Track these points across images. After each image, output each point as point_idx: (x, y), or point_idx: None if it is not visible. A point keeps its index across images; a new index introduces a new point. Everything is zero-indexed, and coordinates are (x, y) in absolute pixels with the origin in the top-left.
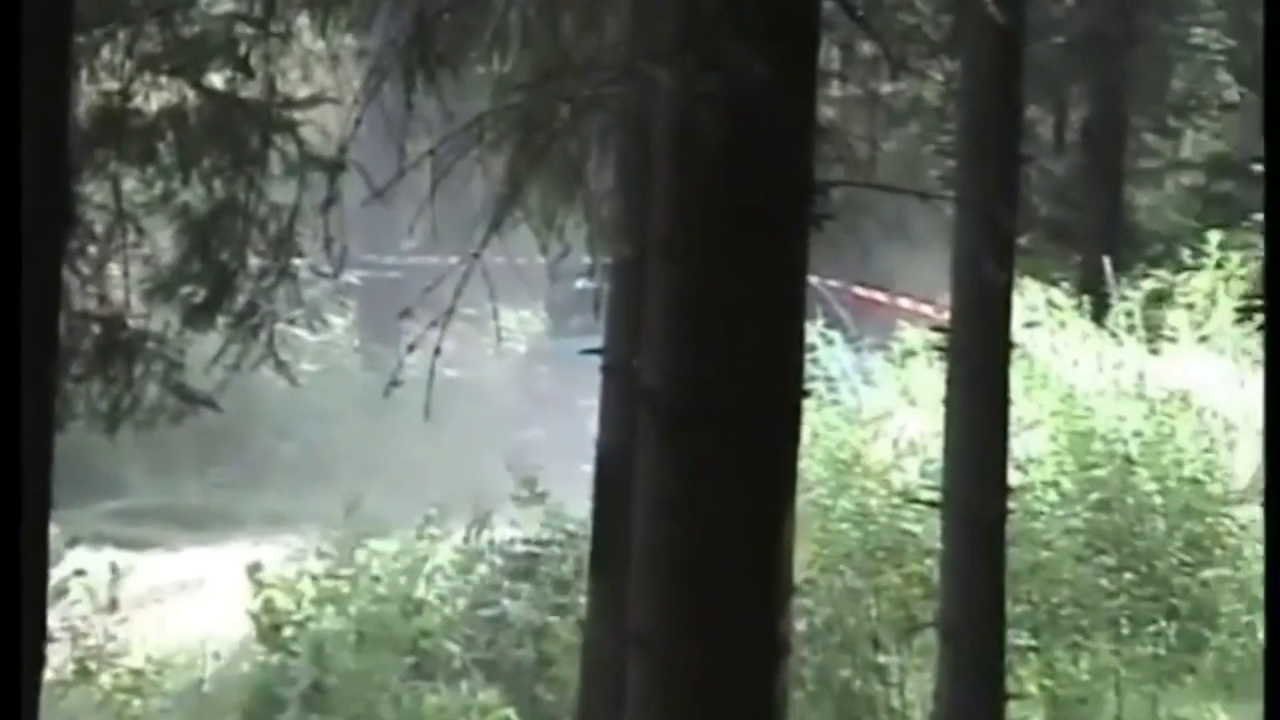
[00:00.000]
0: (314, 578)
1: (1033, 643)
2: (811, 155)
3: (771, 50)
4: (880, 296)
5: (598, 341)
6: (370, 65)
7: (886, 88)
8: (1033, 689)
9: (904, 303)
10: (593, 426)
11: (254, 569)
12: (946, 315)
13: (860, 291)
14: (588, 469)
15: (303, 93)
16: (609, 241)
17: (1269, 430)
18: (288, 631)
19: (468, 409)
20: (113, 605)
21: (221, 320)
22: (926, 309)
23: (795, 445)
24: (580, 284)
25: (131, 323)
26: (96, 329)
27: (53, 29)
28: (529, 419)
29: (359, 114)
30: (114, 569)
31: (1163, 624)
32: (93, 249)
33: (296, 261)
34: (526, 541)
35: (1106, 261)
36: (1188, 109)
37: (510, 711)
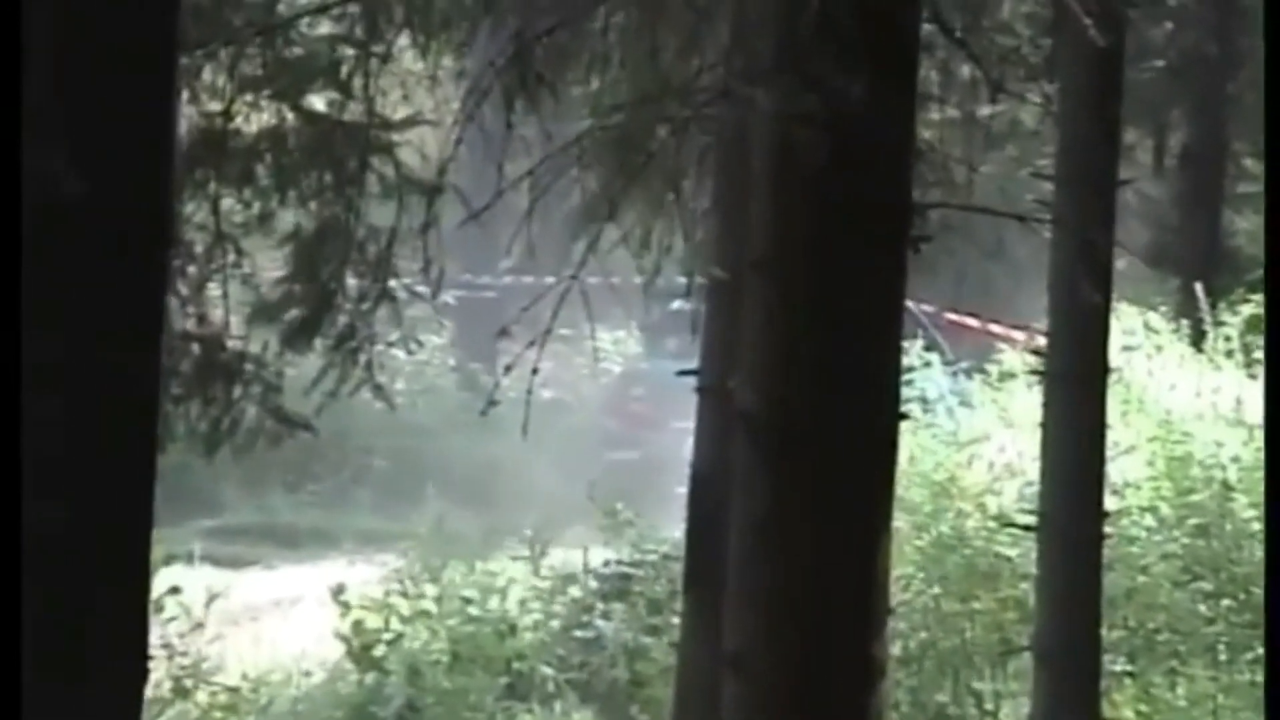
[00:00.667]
0: (406, 596)
1: (1129, 668)
2: (910, 177)
3: (870, 71)
4: (973, 322)
5: (693, 364)
6: (469, 86)
7: (984, 110)
8: (1128, 715)
9: (996, 328)
10: (687, 449)
11: (338, 591)
12: (1039, 341)
13: (953, 316)
14: (681, 491)
15: (401, 114)
16: (706, 262)
17: (1269, 430)
18: (379, 651)
19: (562, 429)
20: (207, 623)
21: (320, 342)
22: (1018, 335)
23: (892, 467)
24: (675, 305)
25: (230, 344)
26: (196, 350)
27: (159, 48)
28: (623, 441)
29: (459, 135)
30: (209, 587)
31: (1261, 651)
32: (192, 269)
33: (394, 283)
34: (620, 562)
35: (1199, 287)
36: None
37: None
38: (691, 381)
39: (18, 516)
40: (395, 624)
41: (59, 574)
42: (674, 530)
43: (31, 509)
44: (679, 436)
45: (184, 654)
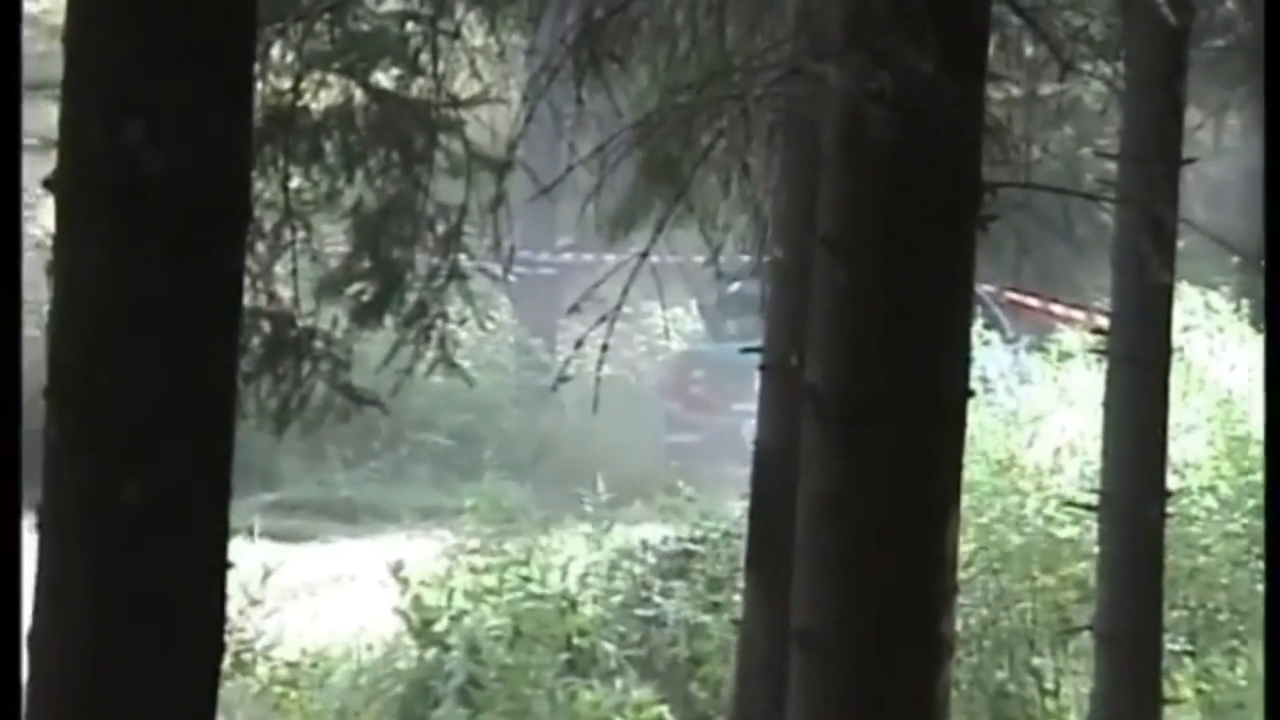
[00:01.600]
0: (469, 571)
1: (1189, 648)
2: (979, 155)
3: (940, 48)
4: (1033, 301)
5: (751, 345)
6: (540, 63)
7: (1046, 89)
8: (1189, 694)
9: (1056, 308)
10: (747, 431)
11: (397, 568)
12: (1099, 321)
13: (1013, 295)
14: (740, 473)
15: (469, 91)
16: (773, 240)
17: (1269, 431)
18: (440, 626)
19: (622, 406)
20: (265, 598)
21: (390, 320)
22: (1078, 314)
23: (960, 445)
24: (735, 286)
25: (300, 321)
26: (266, 327)
27: (237, 22)
28: (683, 423)
29: (529, 111)
30: (267, 562)
31: None
32: (261, 246)
33: (463, 260)
34: (680, 539)
35: (1262, 266)
36: None
37: (664, 709)
38: (751, 365)
39: (17, 517)
40: (456, 600)
41: (139, 549)
42: (732, 510)
43: (113, 484)
44: (739, 419)
45: (242, 629)
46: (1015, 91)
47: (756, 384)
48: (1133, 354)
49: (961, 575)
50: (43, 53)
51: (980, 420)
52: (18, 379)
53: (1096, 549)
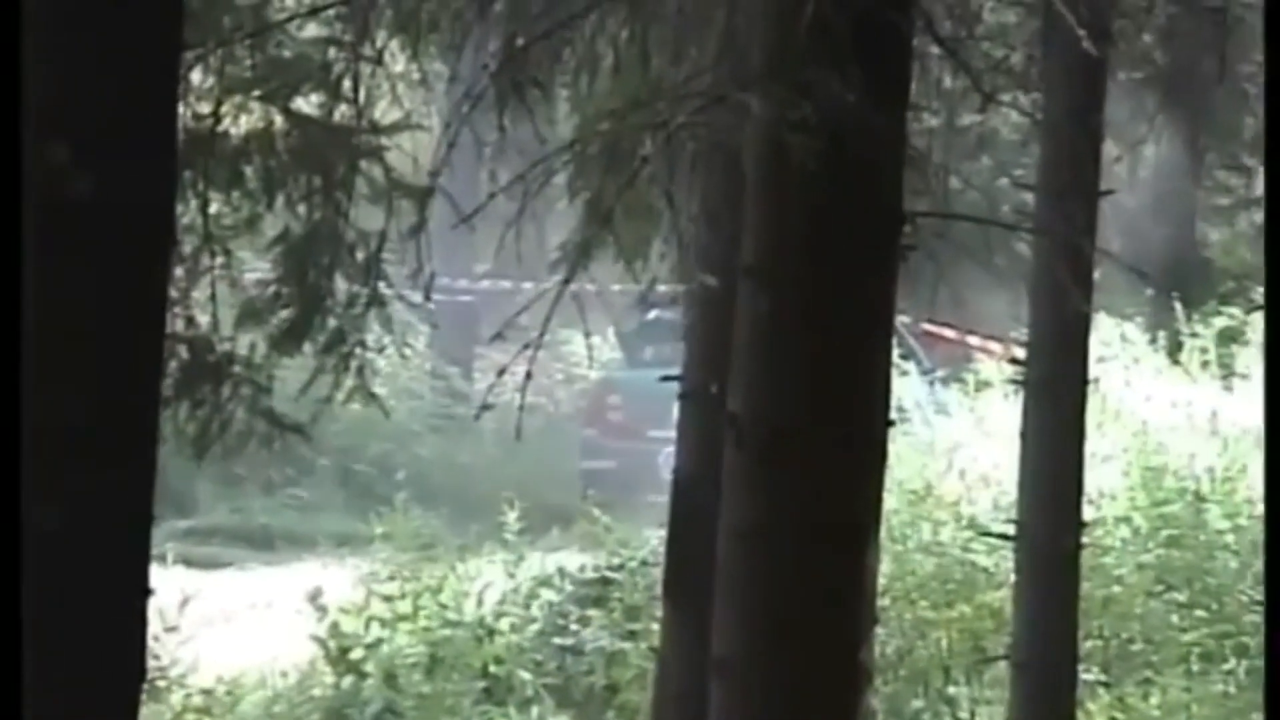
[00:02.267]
0: (385, 599)
1: (1103, 678)
2: (900, 185)
3: (862, 78)
4: (949, 333)
5: (671, 372)
6: (462, 90)
7: (966, 119)
8: None
9: (972, 339)
10: (663, 459)
11: (315, 595)
12: (1015, 351)
13: (930, 327)
14: (656, 499)
15: (391, 118)
16: (694, 268)
17: (1269, 430)
18: (357, 654)
19: (541, 434)
20: (181, 625)
21: (309, 347)
22: (994, 346)
23: (880, 474)
24: (653, 314)
25: (218, 346)
26: (184, 352)
27: (162, 45)
28: (599, 448)
29: (452, 138)
30: (183, 589)
31: (1233, 662)
32: (180, 271)
33: (383, 287)
34: (597, 568)
35: (1175, 298)
36: (1262, 146)
37: None
38: (669, 392)
39: (17, 516)
40: (373, 628)
41: (58, 574)
42: (649, 537)
43: (31, 510)
44: (656, 446)
45: (157, 656)
46: (935, 122)
47: (675, 411)
48: (1049, 384)
49: (878, 604)
50: None
51: (897, 450)
52: (18, 380)
53: (1012, 578)
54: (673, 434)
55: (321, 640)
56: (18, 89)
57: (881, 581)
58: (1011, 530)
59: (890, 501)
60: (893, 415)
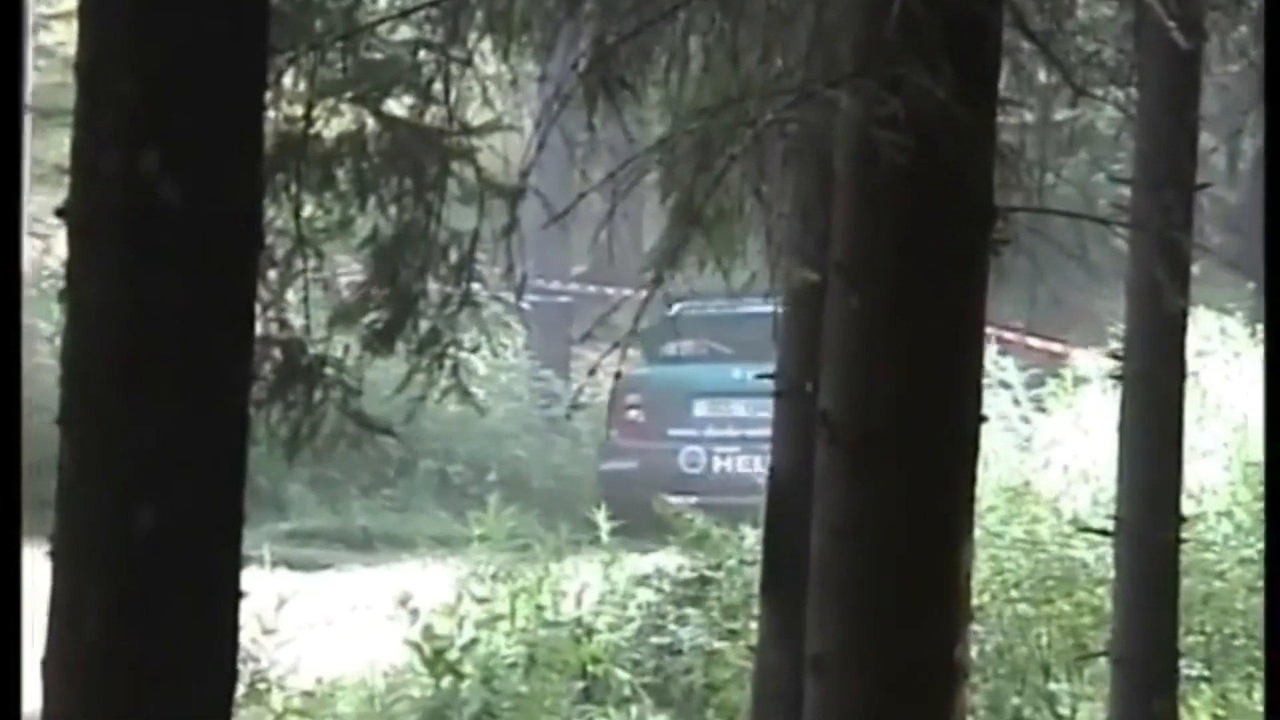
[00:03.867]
0: (481, 600)
1: (1205, 673)
2: (991, 181)
3: (952, 73)
4: (1032, 341)
5: (688, 370)
6: (552, 90)
7: (1059, 114)
8: None
9: (1033, 341)
10: (684, 458)
11: (405, 599)
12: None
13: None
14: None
15: (481, 119)
16: (787, 266)
17: (1269, 430)
18: (454, 655)
19: None
20: (280, 627)
21: (402, 348)
22: (1056, 347)
23: (974, 470)
24: (677, 308)
25: (311, 349)
26: (278, 354)
27: (250, 50)
28: (618, 450)
29: (541, 138)
30: (282, 591)
31: None
32: (273, 274)
33: (476, 288)
34: (695, 567)
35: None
36: None
37: None
38: (688, 390)
39: (17, 515)
40: (469, 628)
41: (153, 575)
42: (748, 536)
43: (126, 512)
44: (676, 444)
45: (257, 658)
46: (1028, 117)
47: (694, 409)
48: (1146, 379)
49: (976, 601)
50: (56, 83)
51: (994, 447)
52: (18, 381)
53: (1112, 574)
54: (691, 432)
55: (416, 643)
56: (18, 88)
57: (979, 578)
58: (1110, 526)
59: (987, 498)
60: (989, 410)
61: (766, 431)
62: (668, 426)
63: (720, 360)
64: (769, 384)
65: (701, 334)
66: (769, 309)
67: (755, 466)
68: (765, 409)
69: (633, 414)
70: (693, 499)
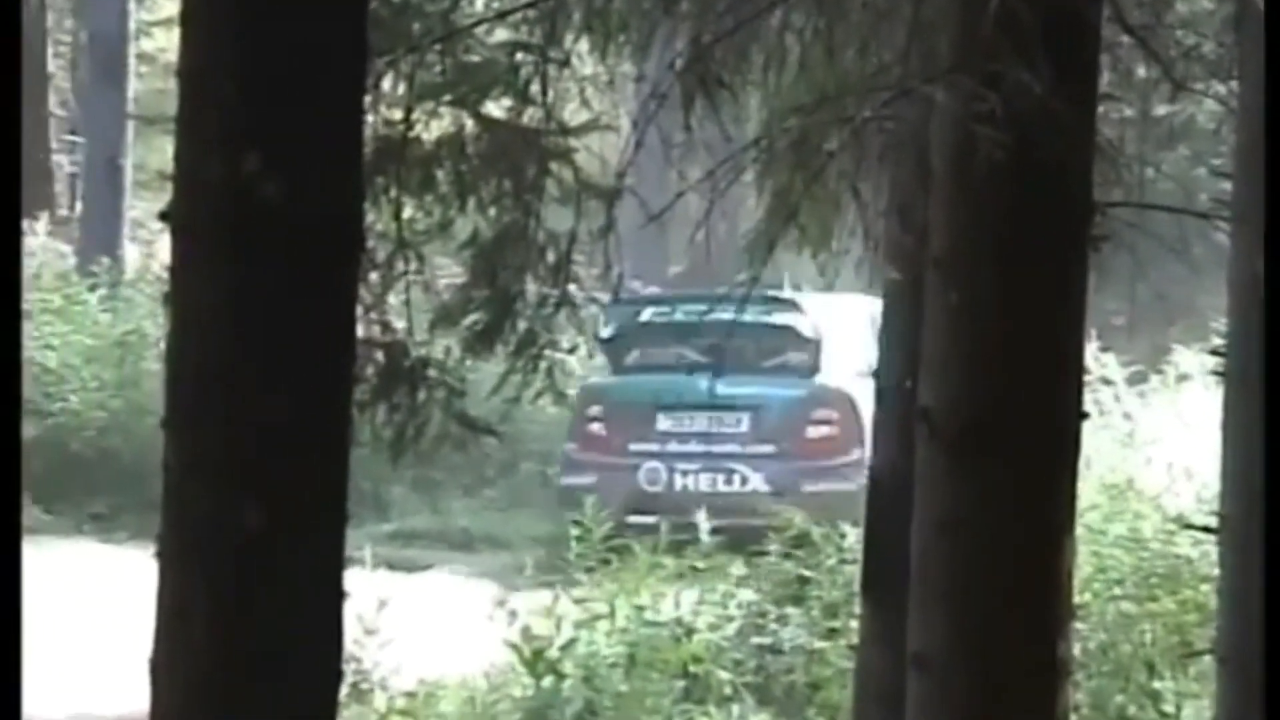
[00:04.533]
0: (579, 601)
1: None
2: (1090, 176)
3: (1051, 70)
4: None
5: (652, 380)
6: (648, 90)
7: (1159, 109)
8: None
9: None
10: (643, 475)
11: (502, 601)
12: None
13: None
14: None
15: (578, 119)
16: (885, 263)
17: (1269, 428)
18: (553, 654)
19: None
20: (383, 628)
21: (500, 349)
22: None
23: (1075, 467)
24: (648, 315)
25: (413, 351)
26: (380, 357)
27: (349, 51)
28: (578, 464)
29: (638, 138)
30: (384, 592)
31: None
32: (374, 276)
33: (573, 288)
34: (794, 566)
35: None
36: None
37: None
38: (651, 402)
39: (18, 514)
40: (568, 628)
41: (257, 575)
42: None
43: (232, 512)
44: (637, 460)
45: (360, 659)
46: (1128, 112)
47: (656, 423)
48: (1250, 375)
49: (1078, 599)
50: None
51: (1097, 444)
52: (18, 381)
53: (1216, 571)
54: (653, 447)
55: (515, 644)
56: (18, 88)
57: (1082, 576)
58: (1214, 522)
59: (1090, 495)
60: (1090, 407)
61: (729, 448)
62: (629, 441)
63: (684, 370)
64: (733, 397)
65: (670, 342)
66: (743, 316)
67: (717, 485)
68: (728, 424)
69: (594, 426)
70: (652, 519)
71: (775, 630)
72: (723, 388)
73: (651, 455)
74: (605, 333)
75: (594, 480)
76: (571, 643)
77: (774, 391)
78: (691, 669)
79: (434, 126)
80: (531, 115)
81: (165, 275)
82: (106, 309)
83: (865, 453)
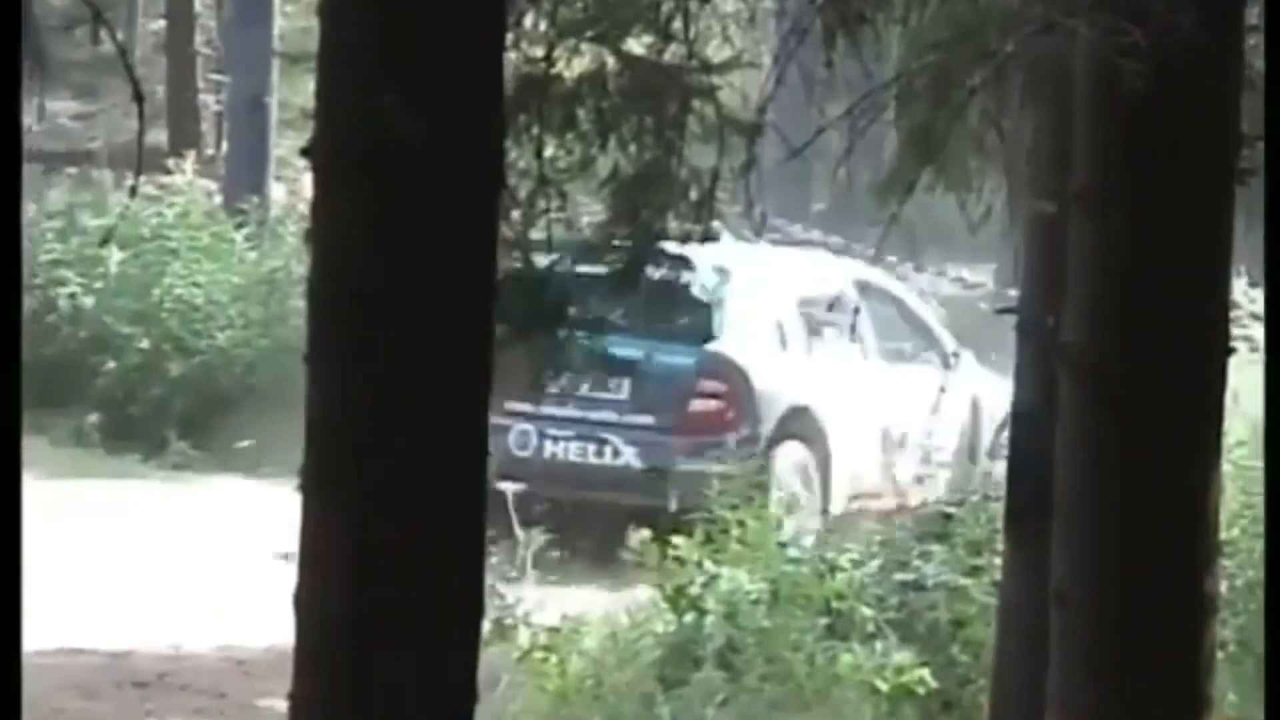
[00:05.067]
0: (723, 533)
1: None
2: (1238, 108)
3: (1196, 1)
4: None
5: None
6: (789, 25)
7: None
8: None
9: None
10: (513, 439)
11: (639, 534)
12: None
13: None
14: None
15: (720, 56)
16: (1029, 201)
17: (1269, 429)
18: (695, 590)
19: None
20: (526, 564)
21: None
22: None
23: (1221, 402)
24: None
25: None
26: (521, 293)
27: None
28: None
29: (779, 74)
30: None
31: None
32: (516, 215)
33: (716, 226)
34: (939, 502)
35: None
36: None
37: (925, 672)
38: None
39: (17, 513)
40: (709, 564)
41: (398, 513)
42: (992, 470)
43: (372, 449)
44: (510, 421)
45: (503, 595)
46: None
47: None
48: None
49: (1225, 535)
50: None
51: (1244, 379)
52: (18, 380)
53: None
54: (528, 408)
55: (658, 580)
56: (18, 88)
57: (1229, 512)
58: None
59: (1236, 432)
60: (1241, 344)
61: (605, 415)
62: (506, 398)
63: (573, 327)
64: (616, 360)
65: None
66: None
67: (588, 456)
68: (609, 389)
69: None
70: (520, 486)
71: (918, 566)
72: (602, 349)
73: (526, 416)
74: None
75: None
76: (714, 579)
77: (659, 358)
78: (835, 605)
79: (575, 64)
80: (673, 52)
81: (309, 213)
82: (252, 247)
83: (756, 430)
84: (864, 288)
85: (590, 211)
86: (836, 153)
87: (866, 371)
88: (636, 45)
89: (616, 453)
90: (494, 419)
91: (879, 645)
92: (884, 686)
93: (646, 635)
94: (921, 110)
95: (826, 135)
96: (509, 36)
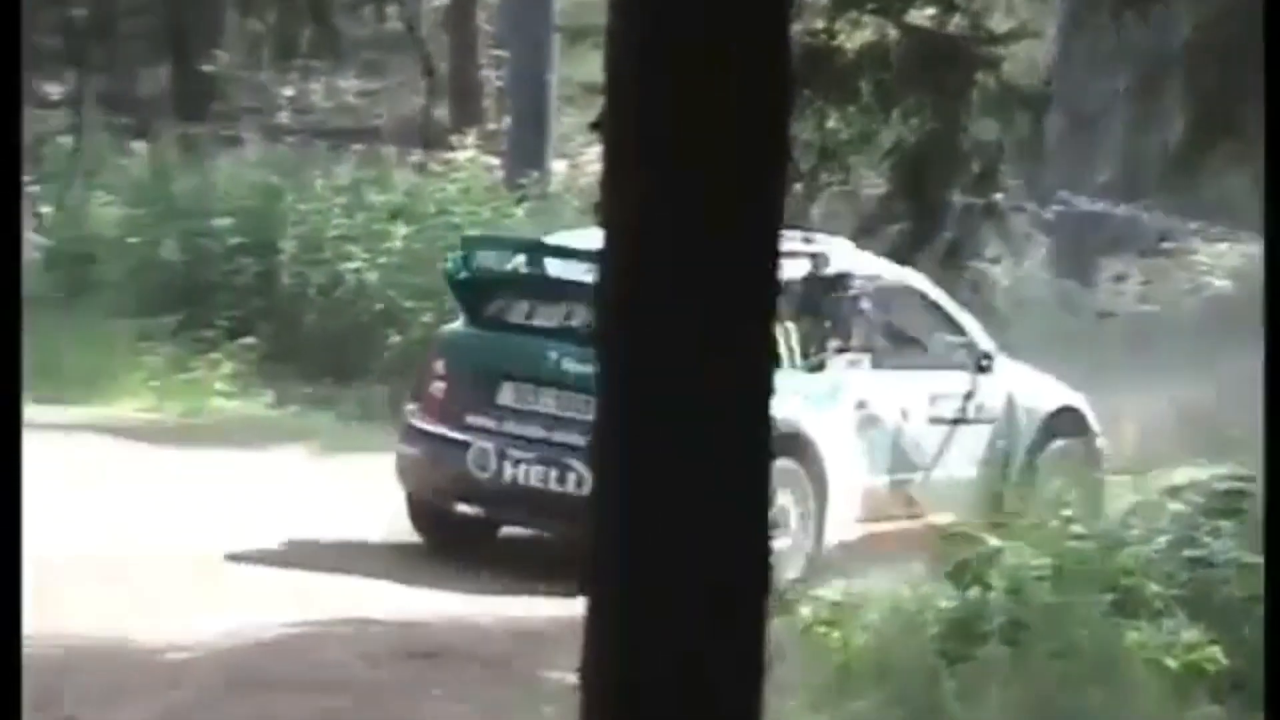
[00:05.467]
0: (1005, 513)
1: None
2: None
3: None
4: None
5: (500, 340)
6: None
7: None
8: None
9: None
10: (471, 458)
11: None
12: None
13: None
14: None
15: (1004, 26)
16: None
17: (1269, 429)
18: (978, 566)
19: (1165, 345)
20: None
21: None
22: None
23: None
24: (519, 261)
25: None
26: (805, 264)
27: None
28: (411, 432)
29: (1065, 45)
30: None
31: None
32: (799, 187)
33: (999, 198)
34: (1230, 477)
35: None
36: None
37: (1216, 650)
38: (501, 365)
39: (18, 511)
40: (993, 539)
41: (684, 486)
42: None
43: (656, 421)
44: (469, 437)
45: (787, 569)
46: None
47: (500, 394)
48: None
49: None
50: (585, 2)
51: None
52: (18, 380)
53: None
54: (489, 424)
55: (939, 556)
56: (18, 87)
57: None
58: None
59: None
60: None
61: (570, 437)
62: (467, 411)
63: (541, 335)
64: (582, 377)
65: (534, 298)
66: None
67: (549, 482)
68: (575, 408)
69: (436, 386)
70: (479, 511)
71: (1208, 543)
72: (573, 364)
73: (486, 433)
74: (462, 274)
75: (420, 453)
76: (998, 553)
77: None
78: (1122, 582)
79: (856, 36)
80: (957, 23)
81: (591, 188)
82: (534, 222)
83: None
84: (882, 290)
85: (872, 184)
86: (1123, 124)
87: (872, 381)
88: (919, 16)
89: (580, 481)
90: (452, 432)
91: (1167, 623)
92: (1173, 664)
93: (928, 609)
94: (1209, 82)
95: (1115, 105)
96: (791, 9)
